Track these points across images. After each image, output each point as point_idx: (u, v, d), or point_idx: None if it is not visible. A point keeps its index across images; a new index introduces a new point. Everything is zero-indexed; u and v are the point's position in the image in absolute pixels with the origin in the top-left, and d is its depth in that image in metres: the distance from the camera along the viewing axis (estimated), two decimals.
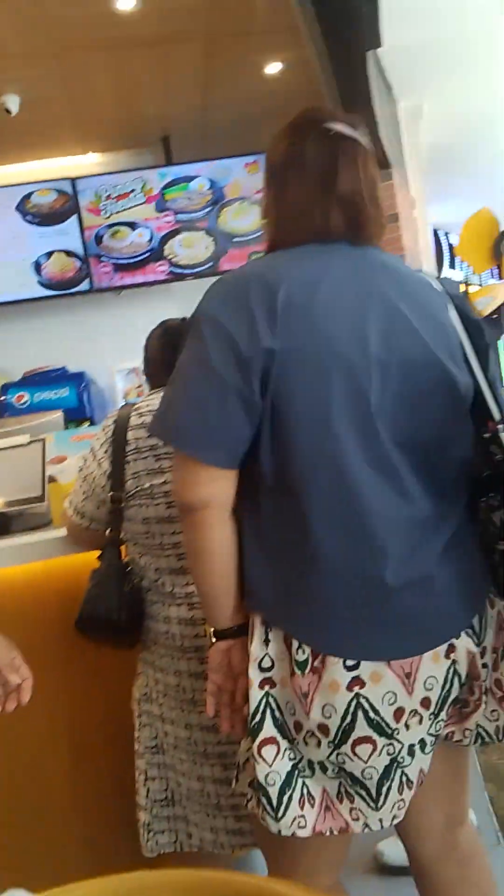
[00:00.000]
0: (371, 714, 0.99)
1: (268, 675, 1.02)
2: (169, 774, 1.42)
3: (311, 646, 0.99)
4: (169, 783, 1.42)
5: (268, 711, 1.02)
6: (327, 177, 1.07)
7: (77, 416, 3.48)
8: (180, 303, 4.14)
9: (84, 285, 4.07)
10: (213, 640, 1.09)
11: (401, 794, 1.02)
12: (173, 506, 1.36)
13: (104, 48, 3.55)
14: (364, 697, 0.99)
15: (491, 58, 3.20)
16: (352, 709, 0.98)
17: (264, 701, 1.02)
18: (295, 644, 1.00)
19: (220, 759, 1.34)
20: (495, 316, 3.78)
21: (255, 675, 1.02)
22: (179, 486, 1.04)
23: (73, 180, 4.09)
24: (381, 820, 1.02)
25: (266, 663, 1.02)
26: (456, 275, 6.79)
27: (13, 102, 3.82)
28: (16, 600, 1.66)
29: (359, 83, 2.88)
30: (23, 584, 1.71)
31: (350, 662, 0.98)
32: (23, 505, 1.92)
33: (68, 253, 4.08)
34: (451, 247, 6.19)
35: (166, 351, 1.50)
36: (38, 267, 4.07)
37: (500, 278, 5.33)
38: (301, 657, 0.99)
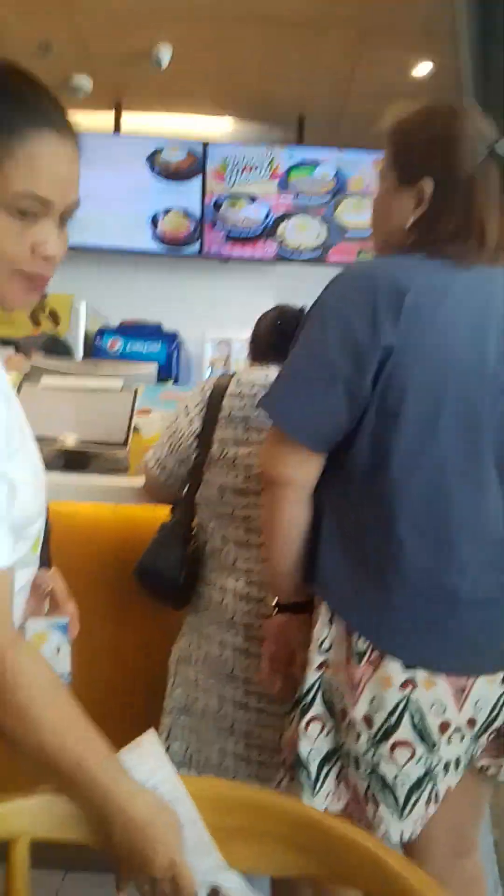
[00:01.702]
0: (416, 719, 1.00)
1: (325, 657, 1.06)
2: (191, 738, 1.44)
3: (373, 642, 1.01)
4: (189, 747, 1.45)
5: (320, 693, 1.06)
6: (500, 198, 1.07)
7: (163, 373, 3.55)
8: (281, 284, 4.17)
9: (194, 248, 4.14)
10: (272, 612, 1.15)
11: (427, 808, 1.03)
12: (251, 479, 1.39)
13: (259, 20, 3.58)
14: (413, 701, 1.00)
15: None
16: (399, 708, 1.00)
17: (318, 682, 1.06)
18: (356, 634, 1.03)
19: (245, 737, 1.37)
20: None
21: (314, 657, 1.06)
22: (268, 459, 1.09)
23: (206, 144, 4.14)
24: (402, 831, 1.02)
25: (326, 646, 1.06)
26: None
27: (165, 55, 3.88)
28: (79, 536, 1.69)
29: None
30: (88, 523, 1.75)
31: (408, 664, 1.00)
32: (105, 447, 1.96)
33: (185, 213, 4.15)
34: None
35: (274, 334, 1.54)
36: (154, 221, 4.16)
37: None
38: (360, 647, 1.02)
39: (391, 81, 3.87)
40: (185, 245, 4.14)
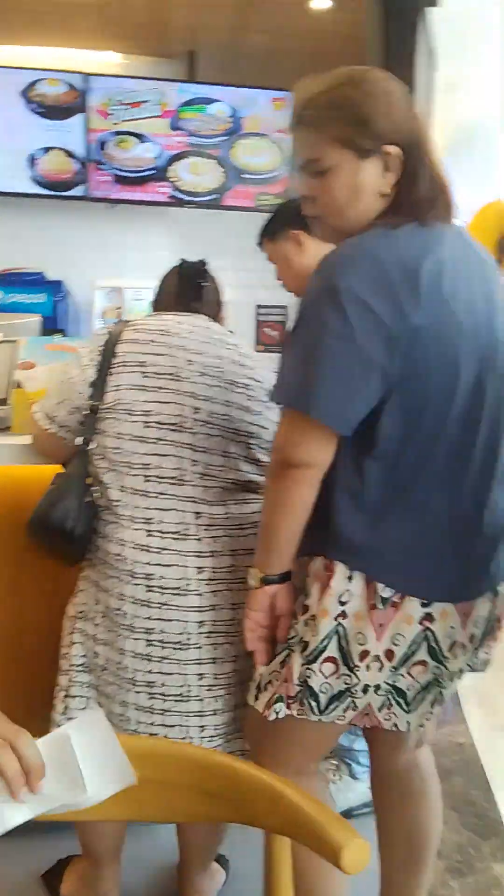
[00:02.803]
0: (432, 644, 1.15)
1: (343, 608, 1.14)
2: (90, 694, 1.41)
3: (398, 589, 1.12)
4: (89, 703, 1.41)
5: (335, 638, 1.15)
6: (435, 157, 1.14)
7: (49, 325, 3.34)
8: (174, 229, 4.00)
9: (78, 190, 3.88)
10: (256, 584, 1.18)
11: (431, 707, 1.20)
12: (150, 426, 1.35)
13: None
14: (431, 631, 1.14)
15: None
16: (419, 640, 1.14)
17: (334, 630, 1.14)
18: (379, 584, 1.12)
19: (147, 686, 1.34)
20: None
21: (332, 608, 1.14)
22: (294, 445, 1.10)
23: (87, 76, 3.86)
24: (408, 722, 1.19)
25: (345, 598, 1.13)
26: None
27: None
28: None
29: (407, 41, 2.77)
30: None
31: (425, 601, 1.13)
32: None
33: (68, 153, 3.87)
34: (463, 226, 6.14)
35: (176, 281, 1.56)
36: (32, 161, 3.86)
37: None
38: (386, 594, 1.12)
39: (288, 15, 3.72)
40: (69, 188, 3.87)
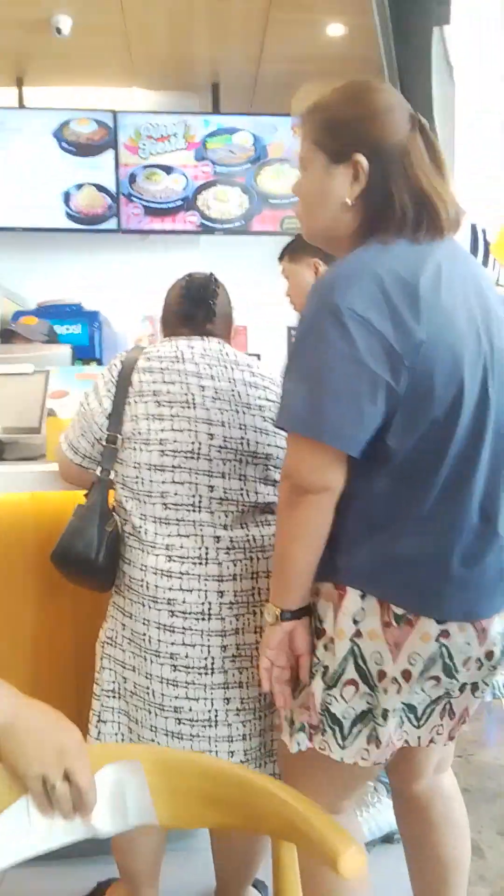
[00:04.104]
0: (447, 660, 1.11)
1: (358, 627, 1.10)
2: (122, 720, 1.43)
3: (410, 610, 1.08)
4: (120, 728, 1.43)
5: (351, 659, 1.11)
6: (438, 168, 1.11)
7: (86, 354, 3.44)
8: (206, 256, 4.08)
9: (111, 224, 4.00)
10: (272, 621, 1.14)
11: (441, 719, 1.16)
12: (167, 454, 1.36)
13: None
14: (446, 647, 1.10)
15: None
16: (436, 656, 1.10)
17: (350, 650, 1.11)
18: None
19: (175, 712, 1.35)
20: None
21: (347, 628, 1.11)
22: (305, 469, 1.07)
23: (115, 114, 3.99)
24: (419, 738, 1.16)
25: (359, 616, 1.10)
26: (490, 275, 6.68)
27: (65, 23, 3.70)
28: None
29: (420, 59, 2.78)
30: (7, 513, 1.71)
31: (440, 620, 1.09)
32: (18, 434, 1.91)
33: (100, 188, 4.00)
34: (487, 245, 6.07)
35: (185, 302, 1.50)
36: (67, 198, 4.00)
37: None
38: (399, 611, 1.09)
39: (305, 43, 3.79)
40: (102, 221, 3.99)
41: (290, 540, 1.11)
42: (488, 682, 1.18)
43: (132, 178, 4.00)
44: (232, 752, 1.36)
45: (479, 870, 1.84)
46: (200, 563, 1.35)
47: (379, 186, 1.10)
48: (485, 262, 6.95)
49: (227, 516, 1.37)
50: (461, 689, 1.16)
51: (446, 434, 1.07)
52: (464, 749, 2.45)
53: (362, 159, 1.10)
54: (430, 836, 1.36)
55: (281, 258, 1.96)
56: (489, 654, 1.15)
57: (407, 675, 1.11)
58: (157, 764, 0.89)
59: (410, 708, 1.15)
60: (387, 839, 1.86)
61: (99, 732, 1.43)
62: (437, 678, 1.13)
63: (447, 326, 1.05)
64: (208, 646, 1.33)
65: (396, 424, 1.05)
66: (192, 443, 1.36)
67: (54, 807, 0.79)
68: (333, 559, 1.11)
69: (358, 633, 1.11)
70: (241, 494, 1.39)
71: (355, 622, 1.11)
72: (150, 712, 1.37)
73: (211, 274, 1.54)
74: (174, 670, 1.34)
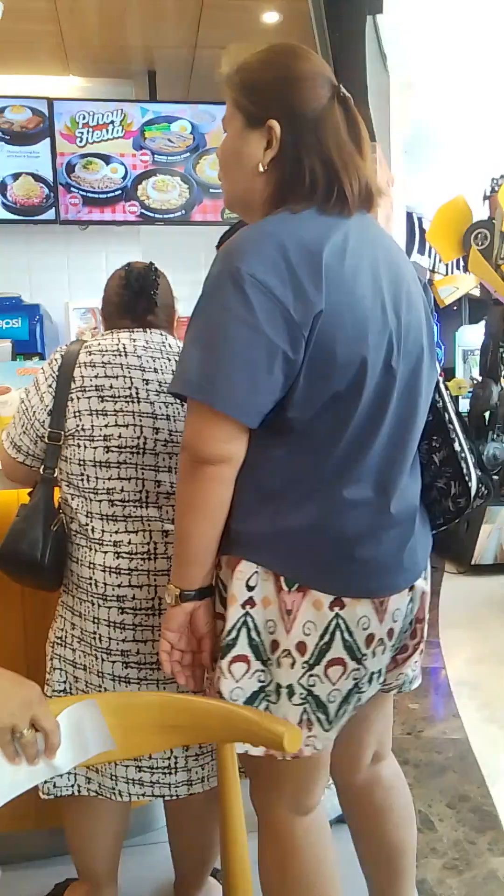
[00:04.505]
0: (346, 635, 1.08)
1: (251, 594, 1.07)
2: None
3: (301, 582, 1.06)
4: None
5: (244, 630, 1.08)
6: (356, 143, 1.09)
7: (27, 349, 3.36)
8: (146, 246, 4.02)
9: (49, 214, 3.90)
10: (172, 602, 1.11)
11: (346, 717, 1.14)
12: (111, 450, 1.35)
13: None
14: (342, 618, 1.07)
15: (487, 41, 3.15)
16: (331, 628, 1.07)
17: (242, 620, 1.08)
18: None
19: None
20: (455, 308, 3.83)
21: (240, 594, 1.07)
22: (203, 440, 1.04)
23: (51, 101, 3.88)
24: (326, 741, 1.14)
25: (253, 582, 1.07)
26: (424, 261, 6.79)
27: None
28: None
29: (355, 47, 2.80)
30: None
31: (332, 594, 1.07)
32: None
33: (36, 177, 3.89)
34: (422, 231, 6.16)
35: (125, 293, 1.48)
36: (3, 188, 3.88)
37: (465, 270, 5.35)
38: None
39: (240, 30, 3.75)
40: (40, 212, 3.89)
41: (189, 513, 1.07)
42: (397, 681, 1.18)
43: (70, 167, 3.90)
44: (187, 748, 1.37)
45: (430, 842, 1.90)
46: (149, 559, 1.35)
47: (291, 154, 1.08)
48: (420, 250, 7.04)
49: (174, 510, 1.37)
50: (369, 680, 1.13)
51: (348, 407, 1.05)
52: (413, 725, 2.52)
53: (276, 125, 1.08)
54: (372, 825, 1.37)
55: (218, 246, 1.94)
56: (390, 633, 1.13)
57: (302, 647, 1.07)
58: (110, 705, 1.00)
59: (319, 705, 1.09)
60: (340, 820, 1.89)
61: None
62: (341, 662, 1.08)
63: (350, 297, 1.03)
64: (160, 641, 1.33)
65: (297, 395, 1.03)
66: (138, 437, 1.36)
67: (22, 752, 0.90)
68: (227, 529, 1.08)
69: (252, 602, 1.08)
70: None
71: (249, 586, 1.07)
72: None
73: (151, 263, 1.52)
74: (126, 667, 1.35)
